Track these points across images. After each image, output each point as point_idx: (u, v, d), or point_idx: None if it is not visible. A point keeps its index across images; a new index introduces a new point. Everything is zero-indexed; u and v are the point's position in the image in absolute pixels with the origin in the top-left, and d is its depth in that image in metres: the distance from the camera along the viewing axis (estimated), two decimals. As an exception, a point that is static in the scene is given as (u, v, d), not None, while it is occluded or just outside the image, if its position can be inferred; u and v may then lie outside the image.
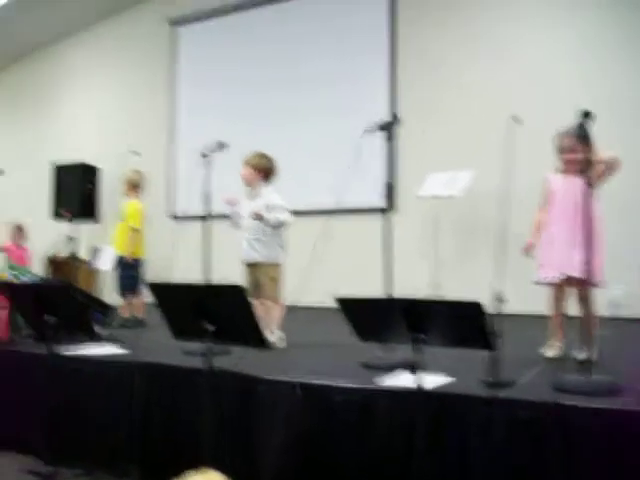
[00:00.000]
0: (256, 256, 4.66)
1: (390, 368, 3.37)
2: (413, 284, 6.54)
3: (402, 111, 6.96)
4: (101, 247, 6.34)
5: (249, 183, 4.76)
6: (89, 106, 9.76)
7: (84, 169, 8.68)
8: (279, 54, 8.06)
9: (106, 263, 5.93)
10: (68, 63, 10.04)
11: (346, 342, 4.48)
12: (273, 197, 4.69)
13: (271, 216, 4.57)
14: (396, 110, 7.06)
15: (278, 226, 4.62)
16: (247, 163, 4.76)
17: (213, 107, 8.51)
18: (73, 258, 7.71)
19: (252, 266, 4.70)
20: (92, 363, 3.99)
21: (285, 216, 4.63)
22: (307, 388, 3.20)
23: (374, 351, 3.66)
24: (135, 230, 5.95)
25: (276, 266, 4.67)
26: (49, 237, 8.31)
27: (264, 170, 4.76)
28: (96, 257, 6.59)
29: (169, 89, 8.94)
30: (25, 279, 6.29)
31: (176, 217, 8.61)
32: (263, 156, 4.79)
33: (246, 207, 4.70)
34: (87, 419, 3.88)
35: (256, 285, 4.66)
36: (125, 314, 5.97)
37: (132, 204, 6.07)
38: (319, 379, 3.25)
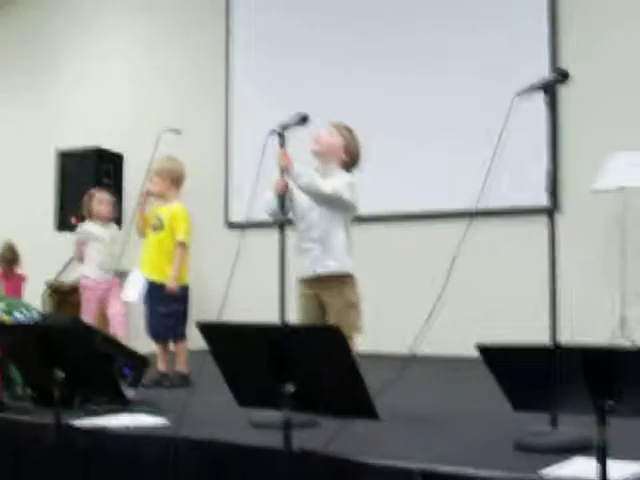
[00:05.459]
0: (324, 266, 4.61)
1: (558, 450, 3.33)
2: (590, 324, 6.46)
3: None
4: (126, 270, 6.48)
5: (327, 159, 4.73)
6: (105, 69, 10.00)
7: (99, 157, 8.90)
8: None
9: (133, 293, 6.05)
10: (77, 9, 10.36)
11: (487, 411, 4.44)
12: (343, 178, 4.66)
13: (302, 170, 4.46)
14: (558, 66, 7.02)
15: (312, 193, 4.51)
16: (337, 128, 4.75)
17: (287, 70, 8.66)
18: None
19: (314, 283, 4.69)
20: (118, 439, 4.05)
21: (331, 188, 4.50)
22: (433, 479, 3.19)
23: (529, 424, 3.61)
24: (183, 245, 6.07)
25: (351, 281, 4.67)
26: (54, 256, 8.49)
27: (351, 152, 4.78)
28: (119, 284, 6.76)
29: (222, 40, 9.09)
30: (20, 317, 6.47)
31: (232, 224, 8.74)
32: (348, 128, 4.82)
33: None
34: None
35: (320, 315, 4.67)
36: (162, 368, 6.07)
37: (174, 208, 6.18)
38: (450, 465, 3.23)
